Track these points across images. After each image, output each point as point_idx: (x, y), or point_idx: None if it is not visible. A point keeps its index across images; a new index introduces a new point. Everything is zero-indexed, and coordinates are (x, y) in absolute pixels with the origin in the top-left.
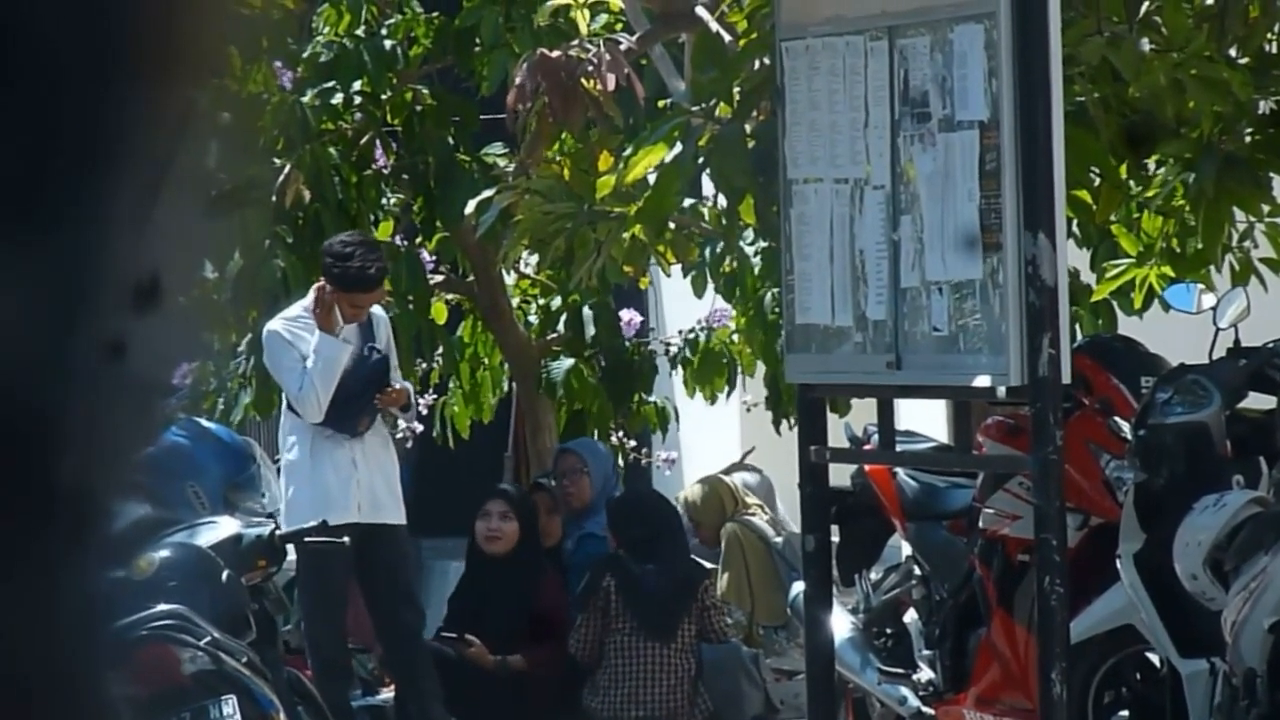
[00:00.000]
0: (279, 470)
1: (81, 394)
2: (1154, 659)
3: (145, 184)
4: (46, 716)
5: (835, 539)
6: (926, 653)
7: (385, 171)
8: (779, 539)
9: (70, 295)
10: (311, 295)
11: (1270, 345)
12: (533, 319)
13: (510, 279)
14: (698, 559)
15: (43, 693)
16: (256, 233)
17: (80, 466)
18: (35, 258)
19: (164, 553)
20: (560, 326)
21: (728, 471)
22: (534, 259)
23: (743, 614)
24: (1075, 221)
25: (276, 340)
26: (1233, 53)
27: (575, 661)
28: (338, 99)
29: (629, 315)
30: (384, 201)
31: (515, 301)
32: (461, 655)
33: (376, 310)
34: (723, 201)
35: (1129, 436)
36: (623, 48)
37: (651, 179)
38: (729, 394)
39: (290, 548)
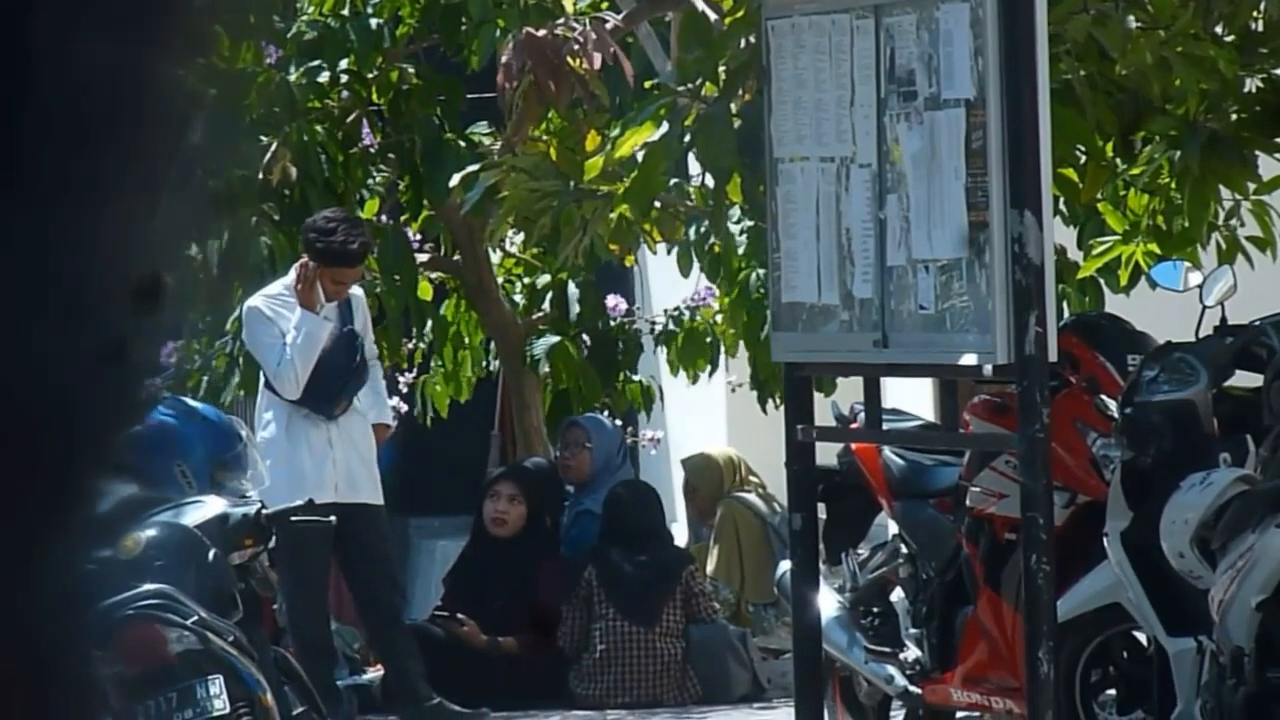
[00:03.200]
0: None
1: (66, 372)
2: (1141, 637)
3: (146, 174)
4: (32, 695)
5: (822, 517)
6: (913, 631)
7: (372, 150)
8: (775, 517)
9: (58, 279)
10: (294, 273)
11: (1257, 323)
12: (518, 298)
13: (496, 257)
14: (679, 547)
15: (27, 671)
16: (243, 210)
17: (65, 446)
18: (22, 240)
19: (150, 532)
20: (546, 305)
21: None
22: (519, 237)
23: (731, 591)
24: (1061, 199)
25: (257, 316)
26: (1219, 30)
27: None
28: (324, 77)
29: (614, 300)
30: (370, 180)
31: (500, 280)
32: (453, 634)
33: (355, 290)
34: (709, 180)
35: (1116, 414)
36: (609, 26)
37: (639, 158)
38: (711, 374)
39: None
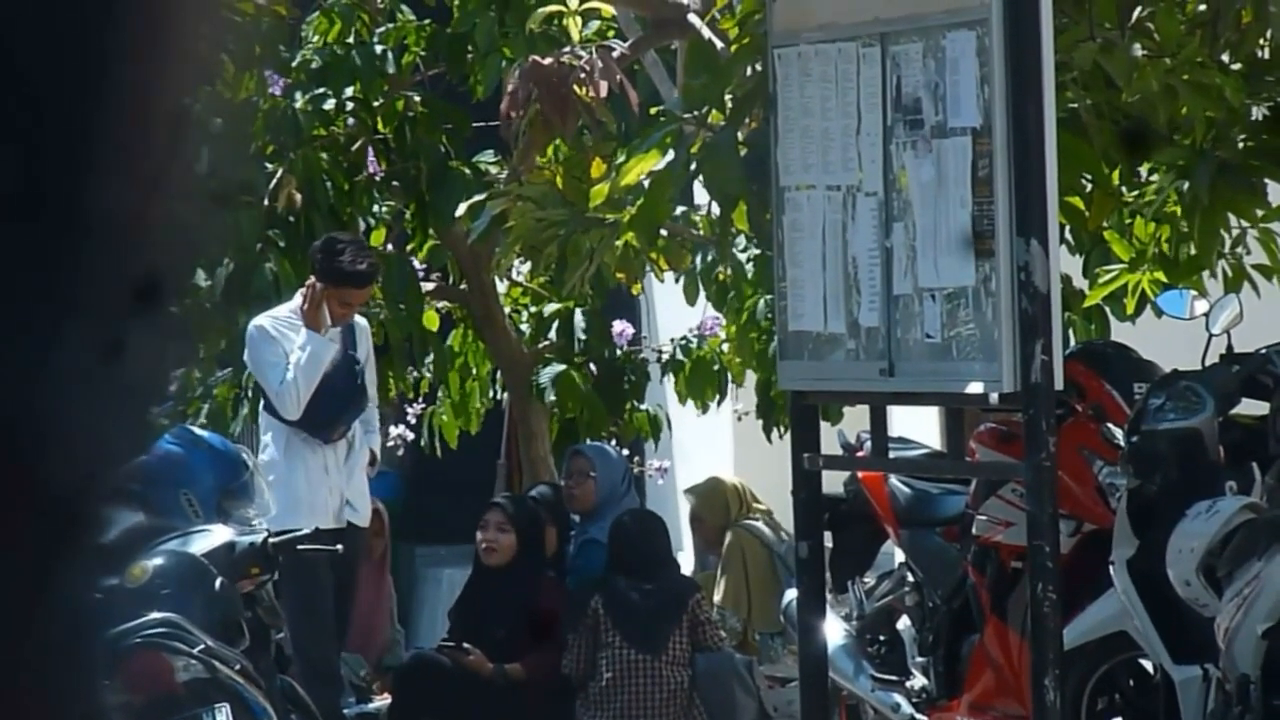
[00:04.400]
0: None
1: (73, 400)
2: (1147, 665)
3: (140, 185)
4: None
5: (828, 546)
6: (920, 659)
7: (377, 178)
8: (782, 545)
9: (60, 297)
10: (299, 296)
11: (1263, 351)
12: (525, 327)
13: (502, 286)
14: (686, 575)
15: (34, 702)
16: (249, 236)
17: (72, 474)
18: (22, 258)
19: (157, 560)
20: (552, 334)
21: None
22: (526, 266)
23: (739, 620)
24: (1067, 228)
25: (261, 335)
26: (1225, 58)
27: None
28: (329, 105)
29: (620, 326)
30: (375, 208)
31: (507, 309)
32: (459, 664)
33: (360, 320)
34: (715, 209)
35: (1122, 443)
36: (615, 54)
37: (644, 185)
38: (719, 403)
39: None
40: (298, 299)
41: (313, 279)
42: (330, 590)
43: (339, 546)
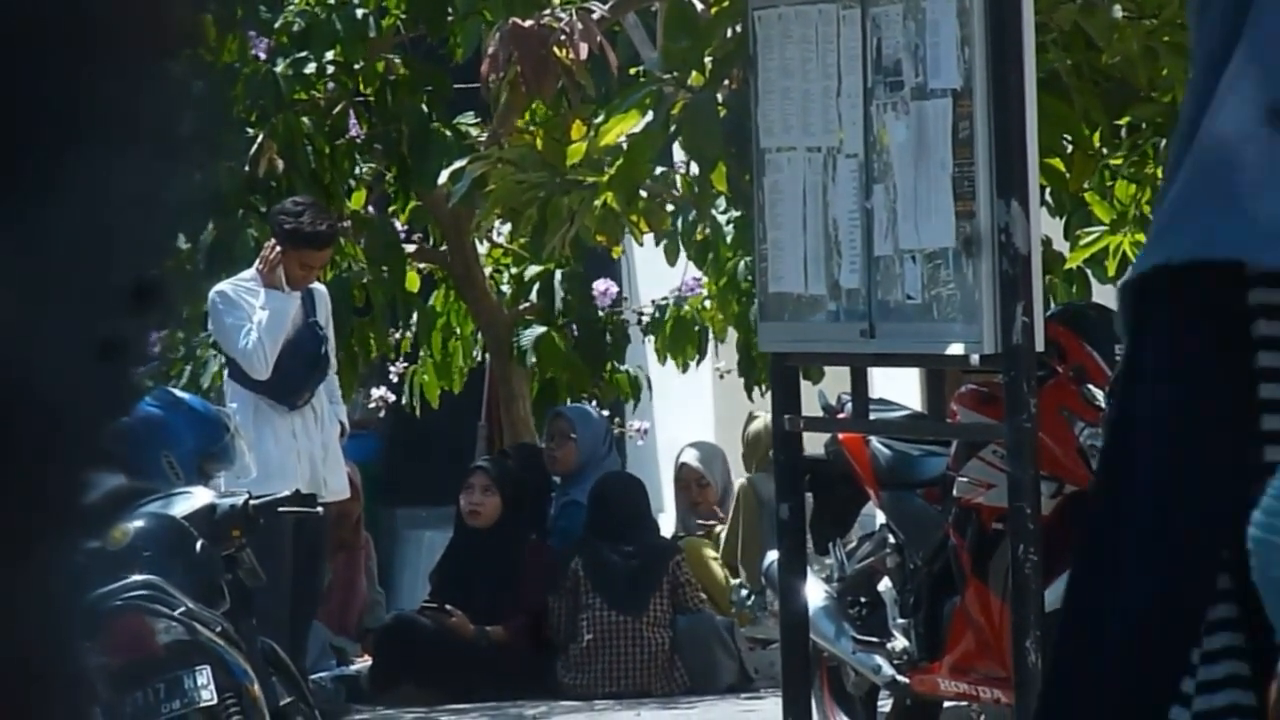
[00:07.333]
0: None
1: (58, 366)
2: None
3: (135, 163)
4: (20, 687)
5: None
6: (901, 621)
7: (358, 141)
8: None
9: (48, 271)
10: (259, 260)
11: None
12: (505, 288)
13: (483, 248)
14: (665, 537)
15: (19, 665)
16: (230, 201)
17: (54, 439)
18: (10, 235)
19: (138, 523)
20: (533, 295)
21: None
22: (506, 228)
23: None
24: (1048, 189)
25: (223, 300)
26: None
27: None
28: (310, 68)
29: (605, 285)
30: (357, 171)
31: (488, 270)
32: (441, 626)
33: (318, 286)
34: (695, 170)
35: (1103, 404)
36: (595, 16)
37: (624, 146)
38: (699, 362)
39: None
40: (257, 262)
41: (272, 241)
42: (288, 562)
43: (320, 509)
